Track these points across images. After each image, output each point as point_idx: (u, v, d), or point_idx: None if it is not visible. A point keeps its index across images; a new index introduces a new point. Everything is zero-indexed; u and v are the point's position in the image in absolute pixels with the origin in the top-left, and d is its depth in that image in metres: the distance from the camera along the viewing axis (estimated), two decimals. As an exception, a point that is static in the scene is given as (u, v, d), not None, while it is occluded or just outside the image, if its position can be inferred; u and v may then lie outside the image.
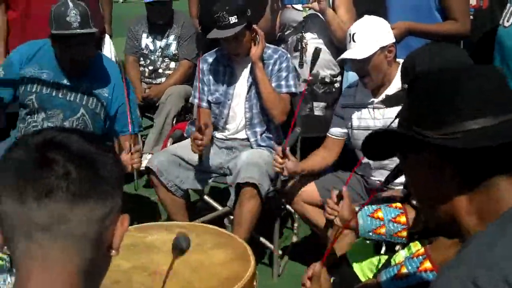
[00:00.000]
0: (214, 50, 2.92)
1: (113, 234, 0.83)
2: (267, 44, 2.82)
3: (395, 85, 2.39)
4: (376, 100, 2.44)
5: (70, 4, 2.44)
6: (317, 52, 2.62)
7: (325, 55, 3.09)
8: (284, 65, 2.79)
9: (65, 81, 2.59)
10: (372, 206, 1.85)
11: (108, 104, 2.65)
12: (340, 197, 1.92)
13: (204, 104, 2.89)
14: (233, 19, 2.62)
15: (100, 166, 0.81)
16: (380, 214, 1.78)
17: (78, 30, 2.41)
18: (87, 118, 2.64)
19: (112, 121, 2.68)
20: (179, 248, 1.08)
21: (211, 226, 2.20)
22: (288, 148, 2.47)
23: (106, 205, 0.81)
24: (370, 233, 1.79)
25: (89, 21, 2.47)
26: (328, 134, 2.65)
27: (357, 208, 1.80)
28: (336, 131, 2.61)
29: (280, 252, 2.85)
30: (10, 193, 0.77)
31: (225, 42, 2.72)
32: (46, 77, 2.58)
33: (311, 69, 2.65)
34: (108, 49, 3.98)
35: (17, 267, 0.80)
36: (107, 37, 4.00)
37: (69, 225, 0.77)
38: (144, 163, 2.76)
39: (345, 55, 2.43)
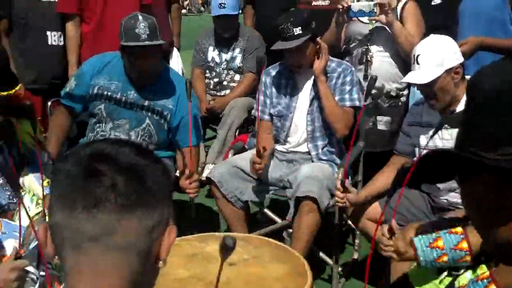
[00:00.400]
0: (278, 63, 2.92)
1: (161, 246, 0.83)
2: (331, 57, 2.79)
3: (464, 105, 2.28)
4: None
5: (140, 17, 2.53)
6: (373, 80, 2.56)
7: (391, 68, 3.03)
8: (348, 78, 2.75)
9: (132, 92, 2.68)
10: (432, 235, 1.76)
11: (172, 115, 2.70)
12: (391, 231, 1.86)
13: (266, 117, 2.89)
14: (297, 31, 2.61)
15: (148, 178, 0.81)
16: (440, 243, 1.69)
17: (146, 42, 2.49)
18: (152, 128, 2.70)
19: (176, 132, 2.74)
20: (225, 246, 1.08)
21: (269, 239, 2.19)
22: (348, 181, 2.42)
23: (154, 216, 0.81)
24: (433, 263, 1.71)
25: (157, 33, 2.54)
26: (394, 151, 2.57)
27: (415, 239, 1.73)
28: (402, 149, 2.52)
29: (340, 268, 2.78)
30: (61, 204, 0.79)
31: (288, 53, 2.72)
32: (114, 88, 2.67)
33: (366, 97, 2.60)
34: (176, 62, 4.08)
35: (66, 278, 0.81)
36: (175, 50, 4.11)
37: (117, 236, 0.78)
38: (205, 173, 2.79)
39: (409, 79, 2.37)
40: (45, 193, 2.14)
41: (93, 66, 2.71)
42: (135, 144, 0.86)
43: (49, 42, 3.32)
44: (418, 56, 2.30)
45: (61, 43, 3.34)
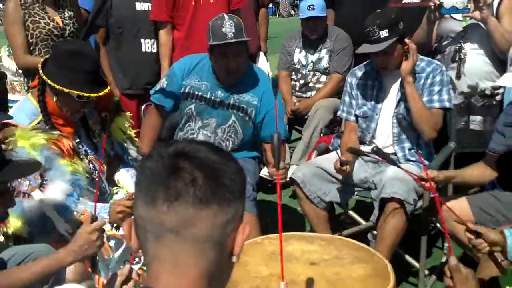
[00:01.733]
0: (364, 63, 2.88)
1: (234, 241, 0.88)
2: (420, 57, 2.71)
3: None
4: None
5: (226, 17, 2.61)
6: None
7: (486, 66, 2.90)
8: (437, 79, 2.65)
9: (220, 92, 2.76)
10: None
11: (257, 111, 2.75)
12: (474, 231, 1.78)
13: (352, 118, 2.86)
14: (383, 33, 2.55)
15: (223, 174, 0.86)
16: None
17: (232, 40, 2.56)
18: (238, 125, 2.77)
19: (260, 127, 2.78)
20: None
21: (350, 239, 2.16)
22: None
23: (228, 211, 0.86)
24: None
25: (243, 31, 2.60)
26: (487, 151, 2.44)
27: (505, 230, 1.64)
28: (496, 149, 2.39)
29: (427, 272, 2.69)
30: (144, 198, 0.85)
31: (374, 56, 2.67)
32: (204, 88, 2.77)
33: None
34: (262, 66, 4.15)
35: (148, 269, 0.87)
36: (261, 54, 4.18)
37: (195, 229, 0.83)
38: (289, 174, 2.81)
39: (504, 82, 2.24)
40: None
41: (184, 66, 2.82)
42: (211, 144, 0.92)
43: (143, 49, 3.50)
44: None
45: (154, 50, 3.51)
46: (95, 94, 2.08)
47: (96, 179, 2.23)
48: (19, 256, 1.88)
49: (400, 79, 2.69)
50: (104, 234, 1.77)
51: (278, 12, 20.31)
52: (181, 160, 0.85)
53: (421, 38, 2.97)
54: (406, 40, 2.62)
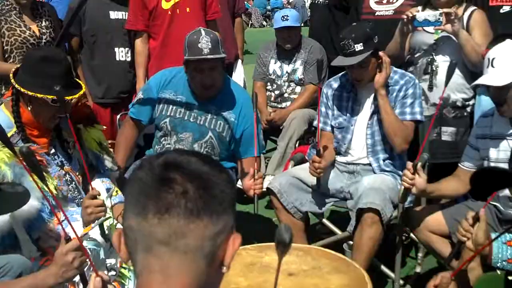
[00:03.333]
0: (339, 75, 2.91)
1: (225, 252, 0.87)
2: (394, 69, 2.75)
3: None
4: (515, 131, 2.26)
5: (203, 32, 2.60)
6: (453, 65, 2.46)
7: (458, 78, 2.95)
8: (410, 91, 2.70)
9: (196, 106, 2.75)
10: (510, 234, 1.72)
11: (234, 127, 2.75)
12: (476, 219, 1.80)
13: (328, 128, 2.88)
14: (358, 47, 2.59)
15: (215, 186, 0.86)
16: None
17: (208, 56, 2.55)
18: (214, 140, 2.76)
19: (237, 143, 2.78)
20: (282, 240, 1.02)
21: (328, 250, 2.17)
22: (419, 164, 2.32)
23: (218, 223, 0.85)
24: (505, 263, 1.65)
25: (219, 47, 2.60)
26: (459, 165, 2.49)
27: (493, 235, 1.67)
28: (469, 163, 2.44)
29: (402, 282, 2.72)
30: (134, 209, 0.84)
31: (349, 69, 2.70)
32: (179, 101, 2.75)
33: (446, 83, 2.49)
34: (239, 74, 4.16)
35: (137, 281, 0.87)
36: (239, 62, 4.19)
37: (185, 240, 0.83)
38: (265, 185, 2.81)
39: (482, 81, 2.29)
40: (114, 203, 2.23)
41: (160, 80, 2.81)
42: (202, 155, 0.92)
43: (117, 58, 3.48)
44: (493, 59, 2.24)
45: (128, 59, 3.49)
46: (70, 97, 2.05)
47: (73, 190, 2.19)
48: (-7, 267, 1.83)
49: (374, 91, 2.72)
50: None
51: (250, 22, 20.41)
52: (171, 171, 0.85)
53: (394, 50, 3.02)
54: (380, 53, 2.67)
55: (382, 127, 2.69)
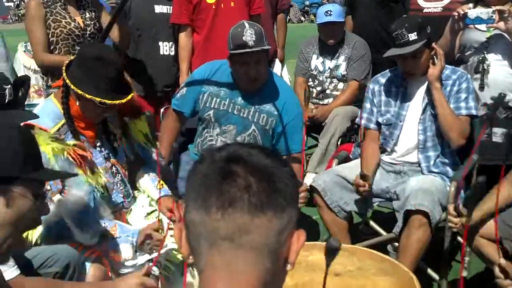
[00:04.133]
0: (387, 70, 2.85)
1: (290, 249, 0.84)
2: (445, 65, 2.68)
3: None
4: None
5: (246, 25, 2.58)
6: (502, 97, 2.38)
7: (510, 78, 2.85)
8: (464, 86, 2.62)
9: (239, 99, 2.73)
10: None
11: (277, 121, 2.72)
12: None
13: (373, 125, 2.83)
14: (412, 36, 2.53)
15: (277, 179, 0.83)
16: None
17: (253, 49, 2.53)
18: (257, 134, 2.74)
19: (280, 138, 2.75)
20: (331, 248, 1.04)
21: (374, 251, 2.12)
22: (461, 206, 2.22)
23: (283, 217, 0.82)
24: None
25: (263, 39, 2.58)
26: None
27: None
28: None
29: (448, 286, 2.64)
30: (197, 204, 0.82)
31: (402, 60, 2.63)
32: (223, 94, 2.74)
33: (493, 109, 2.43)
34: (277, 71, 4.13)
35: (200, 276, 0.84)
36: (277, 61, 4.16)
37: (250, 236, 0.80)
38: (307, 182, 2.77)
39: None
40: (159, 196, 2.24)
41: (203, 73, 2.80)
42: (264, 148, 0.88)
43: (161, 52, 3.50)
44: None
45: (172, 53, 3.51)
46: (117, 101, 2.06)
47: (119, 182, 2.21)
48: (42, 257, 1.86)
49: (425, 85, 2.66)
50: None
51: (288, 18, 20.34)
52: (234, 164, 0.82)
53: (443, 48, 2.93)
54: (434, 45, 2.59)
55: (435, 122, 2.62)
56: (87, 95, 2.00)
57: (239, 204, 0.79)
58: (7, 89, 1.62)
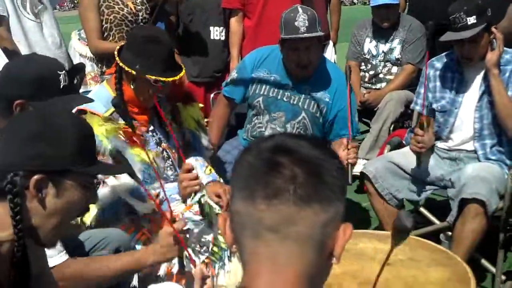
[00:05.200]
0: (443, 54, 2.74)
1: (335, 242, 0.83)
2: (505, 48, 2.55)
3: None
4: None
5: (300, 10, 2.54)
6: None
7: None
8: None
9: (290, 85, 2.70)
10: None
11: (328, 108, 2.68)
12: None
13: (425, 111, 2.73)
14: (471, 20, 2.42)
15: (325, 171, 0.81)
16: None
17: (305, 34, 2.49)
18: (307, 121, 2.71)
19: (331, 125, 2.71)
20: (402, 226, 0.94)
21: (427, 241, 2.06)
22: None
23: (329, 210, 0.81)
24: None
25: (316, 25, 2.53)
26: None
27: None
28: None
29: (504, 277, 2.55)
30: (242, 194, 0.82)
31: (459, 45, 2.53)
32: (273, 80, 2.72)
33: None
34: (329, 56, 4.05)
35: (245, 266, 0.84)
36: (330, 43, 4.08)
37: (295, 227, 0.79)
38: (358, 168, 2.72)
39: None
40: (206, 181, 2.26)
41: (254, 59, 2.79)
42: (313, 138, 0.88)
43: (212, 37, 3.51)
44: None
45: (223, 38, 3.51)
46: (171, 78, 2.09)
47: (169, 167, 2.24)
48: (93, 240, 1.92)
49: (483, 71, 2.54)
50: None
51: (341, 0, 19.98)
52: (280, 155, 0.81)
53: (506, 29, 2.79)
54: (493, 29, 2.47)
55: (492, 110, 2.51)
56: (141, 74, 2.03)
57: (284, 196, 0.78)
58: (61, 75, 1.65)
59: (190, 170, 2.07)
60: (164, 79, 2.06)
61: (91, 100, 1.82)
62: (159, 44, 2.08)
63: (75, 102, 1.72)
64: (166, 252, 1.68)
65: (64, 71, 1.69)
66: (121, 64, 2.07)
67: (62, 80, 1.66)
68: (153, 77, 2.05)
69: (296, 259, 0.80)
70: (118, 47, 2.16)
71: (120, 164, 1.47)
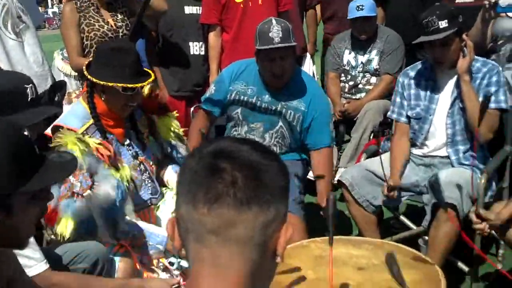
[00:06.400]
0: (417, 63, 2.81)
1: (277, 241, 0.86)
2: (475, 57, 2.62)
3: None
4: None
5: (274, 22, 2.60)
6: None
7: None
8: (494, 79, 2.56)
9: (266, 96, 2.75)
10: None
11: (304, 116, 2.73)
12: None
13: (403, 119, 2.79)
14: (443, 24, 2.49)
15: (265, 175, 0.84)
16: None
17: (279, 44, 2.55)
18: (285, 130, 2.75)
19: (307, 133, 2.75)
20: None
21: (399, 244, 2.10)
22: (481, 211, 2.13)
23: (269, 212, 0.84)
24: None
25: (290, 36, 2.59)
26: None
27: None
28: None
29: (480, 280, 2.59)
30: (185, 198, 0.84)
31: (431, 48, 2.59)
32: (250, 92, 2.77)
33: None
34: (307, 68, 4.12)
35: (190, 270, 0.87)
36: (308, 56, 4.15)
37: (236, 230, 0.82)
38: (337, 177, 2.77)
39: None
40: None
41: (232, 72, 2.83)
42: (255, 143, 0.90)
43: (191, 52, 3.56)
44: None
45: (202, 53, 3.56)
46: (139, 84, 2.12)
47: (147, 180, 2.27)
48: (71, 253, 1.93)
49: (455, 79, 2.60)
50: None
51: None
52: (221, 160, 0.84)
53: (475, 38, 2.86)
54: (464, 36, 2.54)
55: (464, 116, 2.57)
56: (109, 84, 2.08)
57: (225, 199, 0.81)
58: (28, 88, 1.68)
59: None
60: (131, 85, 2.09)
61: (60, 110, 1.85)
62: (124, 53, 2.13)
63: (43, 114, 1.75)
64: None
65: (31, 85, 1.72)
66: (89, 76, 2.11)
67: (29, 94, 1.68)
68: (120, 85, 2.08)
69: (238, 260, 0.82)
70: (86, 62, 2.21)
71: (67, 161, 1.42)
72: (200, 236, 0.83)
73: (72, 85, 3.46)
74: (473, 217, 2.18)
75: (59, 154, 1.39)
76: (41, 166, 1.26)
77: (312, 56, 4.17)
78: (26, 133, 1.41)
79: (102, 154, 2.05)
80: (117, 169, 2.10)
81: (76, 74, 3.34)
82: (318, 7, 4.47)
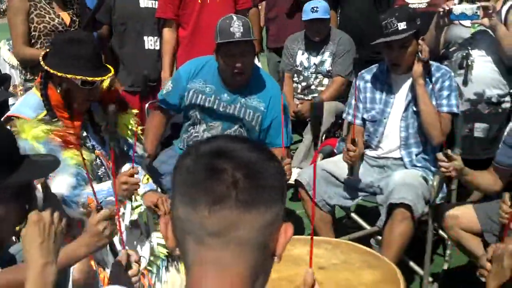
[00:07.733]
0: (373, 66, 2.86)
1: (277, 242, 0.84)
2: (435, 63, 2.70)
3: None
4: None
5: (234, 17, 2.59)
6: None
7: (493, 73, 2.89)
8: (446, 83, 2.64)
9: (225, 95, 2.72)
10: None
11: (263, 117, 2.72)
12: None
13: (358, 121, 2.84)
14: (401, 25, 2.54)
15: (265, 174, 0.82)
16: None
17: (241, 39, 2.53)
18: (244, 130, 2.73)
19: (266, 133, 2.75)
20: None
21: (358, 244, 2.14)
22: (449, 151, 2.30)
23: (270, 212, 0.82)
24: None
25: (250, 32, 2.58)
26: (494, 163, 2.42)
27: None
28: (503, 161, 2.37)
29: (431, 279, 2.68)
30: (183, 200, 0.82)
31: (389, 50, 2.64)
32: (209, 91, 2.73)
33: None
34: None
35: (188, 271, 0.84)
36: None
37: (238, 232, 0.80)
38: (293, 177, 2.78)
39: None
40: (144, 191, 2.23)
41: (189, 70, 2.79)
42: (251, 141, 0.88)
43: (146, 47, 3.48)
44: None
45: (157, 48, 3.49)
46: (99, 78, 2.05)
47: (103, 173, 2.19)
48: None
49: (409, 82, 2.67)
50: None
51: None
52: (220, 160, 0.81)
53: (429, 43, 2.95)
54: (420, 41, 2.61)
55: (417, 119, 2.64)
56: (68, 76, 1.99)
57: (227, 201, 0.79)
58: None
59: (133, 175, 2.04)
60: (91, 78, 2.02)
61: (9, 95, 1.75)
62: (83, 45, 2.05)
63: None
64: (97, 241, 1.63)
65: None
66: (46, 67, 2.02)
67: None
68: (79, 77, 2.01)
69: (240, 261, 0.81)
70: (43, 53, 2.11)
71: (48, 161, 1.37)
72: (200, 238, 0.80)
73: (17, 78, 3.31)
74: (440, 156, 2.27)
75: (40, 155, 1.34)
76: (22, 164, 1.24)
77: (256, 55, 4.17)
78: None
79: (64, 139, 1.96)
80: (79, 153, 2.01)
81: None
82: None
